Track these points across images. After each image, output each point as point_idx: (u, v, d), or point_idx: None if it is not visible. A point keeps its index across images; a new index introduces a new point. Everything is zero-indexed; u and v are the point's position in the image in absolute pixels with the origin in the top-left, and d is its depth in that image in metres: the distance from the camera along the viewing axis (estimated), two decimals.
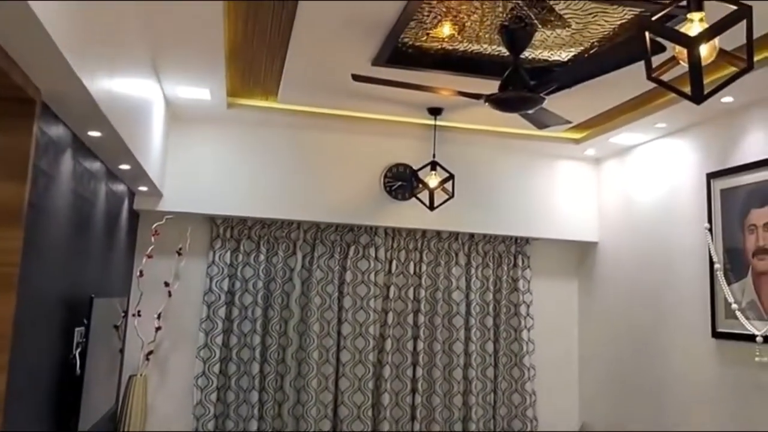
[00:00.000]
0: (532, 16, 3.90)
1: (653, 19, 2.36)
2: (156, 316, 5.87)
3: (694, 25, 2.35)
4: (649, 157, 5.90)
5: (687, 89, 2.30)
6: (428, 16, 3.94)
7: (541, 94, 4.06)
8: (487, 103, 4.20)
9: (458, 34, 4.21)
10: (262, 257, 6.23)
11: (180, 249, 6.05)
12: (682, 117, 5.20)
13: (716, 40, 2.33)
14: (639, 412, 5.78)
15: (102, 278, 4.83)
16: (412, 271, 6.53)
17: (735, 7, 2.21)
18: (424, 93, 4.59)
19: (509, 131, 6.12)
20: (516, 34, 4.06)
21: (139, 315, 5.77)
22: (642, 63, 2.63)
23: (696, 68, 2.19)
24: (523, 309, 6.69)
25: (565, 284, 7.06)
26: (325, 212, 6.16)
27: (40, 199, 3.20)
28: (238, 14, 3.99)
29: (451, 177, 5.58)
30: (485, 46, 4.39)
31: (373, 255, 6.44)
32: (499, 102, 4.15)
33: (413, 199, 6.00)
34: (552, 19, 3.94)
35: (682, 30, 2.34)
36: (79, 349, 3.96)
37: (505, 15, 3.90)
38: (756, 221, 4.65)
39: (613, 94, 5.05)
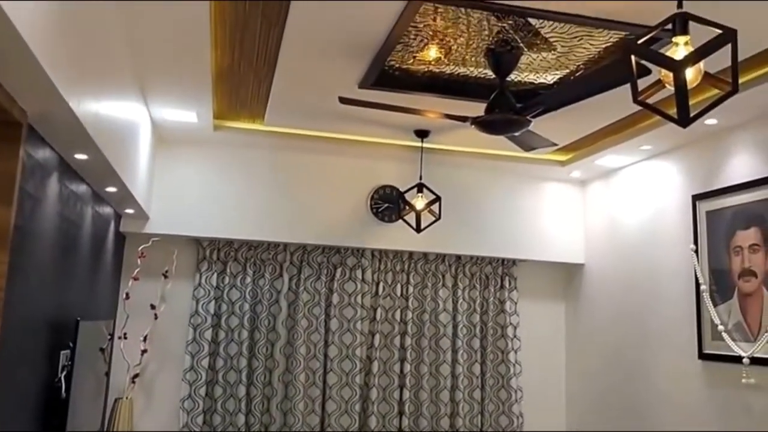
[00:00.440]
0: (518, 40, 3.92)
1: (639, 42, 2.37)
2: (142, 338, 5.83)
3: (679, 48, 2.37)
4: (635, 179, 5.93)
5: (672, 112, 2.32)
6: (415, 39, 3.95)
7: (528, 117, 4.08)
8: (473, 126, 4.22)
9: (445, 57, 4.23)
10: (248, 279, 6.21)
11: (166, 271, 6.02)
12: (667, 139, 5.24)
13: (701, 63, 2.34)
14: None
15: (88, 301, 4.80)
16: (399, 293, 6.52)
17: (720, 31, 2.23)
18: (411, 115, 4.61)
19: (496, 153, 6.15)
20: (502, 57, 4.08)
21: (125, 338, 5.74)
22: (626, 86, 2.65)
23: (682, 92, 2.21)
24: (510, 331, 6.68)
25: (552, 306, 7.06)
26: (311, 234, 6.15)
27: (26, 222, 3.18)
28: (226, 38, 4.00)
29: (438, 199, 5.58)
30: (471, 69, 4.41)
31: (360, 277, 6.42)
32: (485, 124, 4.17)
33: (400, 221, 6.00)
34: (538, 42, 3.97)
35: (668, 53, 2.35)
36: (64, 373, 3.93)
37: (491, 38, 3.92)
38: (741, 243, 4.67)
39: (598, 116, 5.08)
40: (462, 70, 4.44)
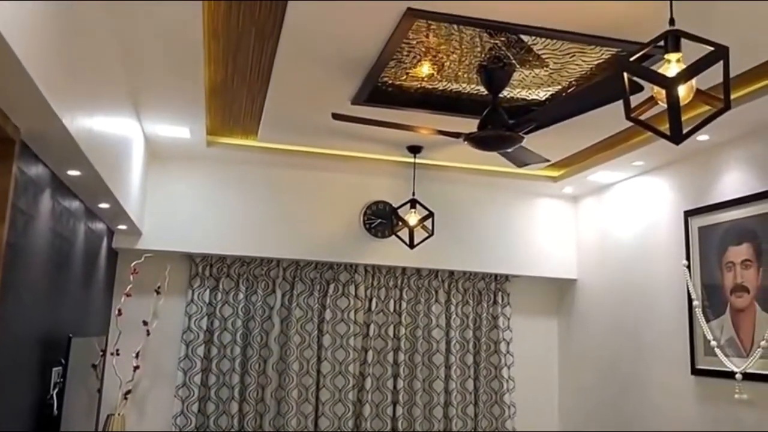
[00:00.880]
0: (511, 56, 3.94)
1: (631, 59, 2.39)
2: (134, 355, 5.81)
3: (671, 65, 2.39)
4: (627, 195, 5.95)
5: (664, 128, 2.33)
6: (408, 55, 3.97)
7: (520, 133, 4.09)
8: (466, 142, 4.22)
9: (437, 73, 4.25)
10: (241, 295, 6.19)
11: (159, 287, 6.01)
12: (659, 155, 5.26)
13: (694, 80, 2.36)
14: None
15: (80, 317, 4.78)
16: (392, 309, 6.51)
17: (712, 48, 2.24)
18: (404, 131, 4.61)
19: (488, 169, 6.16)
20: (494, 74, 4.10)
21: (118, 354, 5.72)
22: (618, 102, 2.66)
23: (674, 109, 2.22)
24: (503, 346, 6.68)
25: (544, 321, 7.06)
26: (304, 250, 6.15)
27: (19, 238, 3.17)
28: (219, 54, 4.01)
29: (431, 215, 5.59)
30: (464, 85, 4.42)
31: (353, 293, 6.42)
32: (478, 141, 4.17)
33: (393, 236, 6.00)
34: (530, 59, 3.98)
35: (660, 70, 2.37)
36: (56, 389, 3.90)
37: (483, 55, 3.93)
38: (734, 259, 4.69)
39: (590, 132, 5.10)
40: (455, 86, 4.45)
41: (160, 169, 5.88)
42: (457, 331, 6.62)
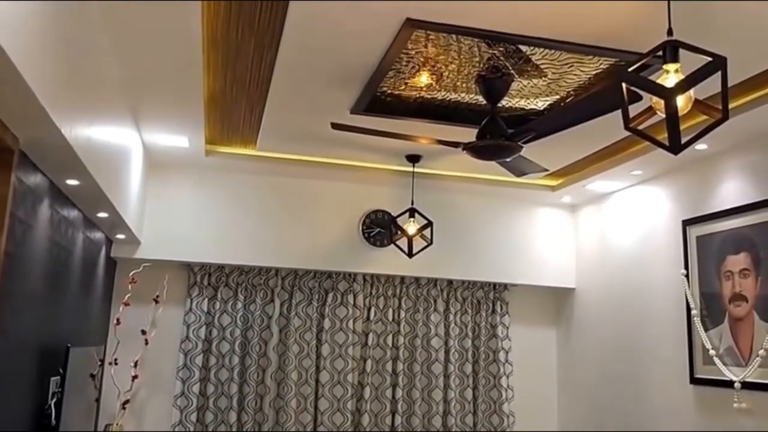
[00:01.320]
0: (509, 66, 3.95)
1: (630, 70, 2.39)
2: (132, 364, 5.80)
3: (670, 76, 2.39)
4: (625, 204, 5.95)
5: (663, 137, 2.33)
6: (406, 65, 3.97)
7: (519, 143, 4.10)
8: (465, 151, 4.22)
9: (436, 83, 4.25)
10: (239, 305, 6.19)
11: (157, 297, 6.00)
12: (657, 164, 5.26)
13: (692, 91, 2.36)
14: None
15: (78, 327, 4.77)
16: (390, 318, 6.50)
17: (710, 58, 2.25)
18: (403, 141, 4.62)
19: (487, 178, 6.16)
20: (493, 84, 4.10)
21: (116, 363, 5.71)
22: (617, 112, 2.66)
23: (673, 119, 2.22)
24: (501, 355, 6.67)
25: (543, 330, 7.05)
26: (303, 259, 6.14)
27: (17, 247, 3.17)
28: (218, 63, 4.01)
29: (430, 224, 5.59)
30: (463, 95, 4.43)
31: (352, 302, 6.41)
32: (477, 150, 4.18)
33: (392, 245, 6.00)
34: (528, 69, 3.99)
35: (659, 81, 2.37)
36: (54, 399, 3.90)
37: (482, 65, 3.94)
38: (732, 268, 4.69)
39: (588, 142, 5.11)
40: (453, 96, 4.46)
41: (158, 179, 5.88)
42: (456, 340, 6.61)
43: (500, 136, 4.10)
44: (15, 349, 3.32)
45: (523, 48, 3.70)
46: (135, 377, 5.80)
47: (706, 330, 4.85)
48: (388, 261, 6.27)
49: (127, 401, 5.78)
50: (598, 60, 3.81)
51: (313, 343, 6.29)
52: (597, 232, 6.39)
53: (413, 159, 5.67)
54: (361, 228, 6.28)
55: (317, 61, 3.89)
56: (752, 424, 4.45)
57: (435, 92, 4.41)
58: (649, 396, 5.45)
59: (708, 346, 4.79)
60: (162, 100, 4.28)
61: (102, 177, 3.70)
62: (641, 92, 2.90)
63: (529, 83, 4.21)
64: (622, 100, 2.38)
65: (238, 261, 6.04)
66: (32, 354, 3.64)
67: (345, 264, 6.25)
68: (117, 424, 5.63)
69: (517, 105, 4.56)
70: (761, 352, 4.35)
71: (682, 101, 2.34)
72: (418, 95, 4.46)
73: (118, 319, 5.76)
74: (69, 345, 3.94)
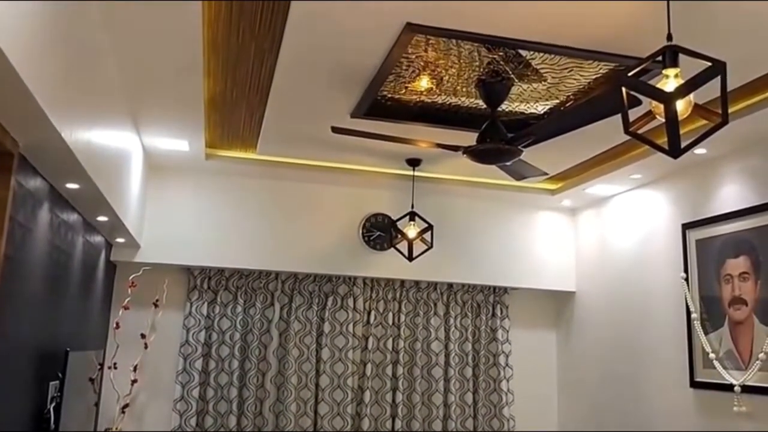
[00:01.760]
0: (509, 71, 3.95)
1: (630, 74, 2.40)
2: (132, 368, 5.79)
3: (670, 80, 2.40)
4: (625, 208, 5.96)
5: (662, 142, 2.33)
6: (407, 69, 3.98)
7: (519, 147, 4.10)
8: (465, 155, 4.23)
9: (436, 87, 4.26)
10: (239, 308, 6.18)
11: (156, 300, 6.00)
12: (657, 168, 5.27)
13: (691, 95, 2.37)
14: None
15: (78, 331, 4.77)
16: (390, 322, 6.50)
17: (710, 63, 2.25)
18: (403, 144, 4.62)
19: (487, 182, 6.16)
20: (493, 88, 4.11)
21: (115, 367, 5.70)
22: (616, 116, 2.66)
23: (673, 123, 2.22)
24: (502, 359, 6.67)
25: (543, 334, 7.05)
26: (303, 263, 6.14)
27: (17, 251, 3.17)
28: (218, 67, 4.02)
29: (430, 227, 5.59)
30: (463, 99, 4.43)
31: (352, 305, 6.41)
32: (477, 154, 4.18)
33: (392, 249, 6.00)
34: (528, 73, 3.99)
35: (658, 85, 2.38)
36: (53, 404, 3.89)
37: (482, 69, 3.95)
38: (731, 271, 4.69)
39: (588, 146, 5.11)
40: (453, 100, 4.46)
41: (158, 182, 5.88)
42: (456, 343, 6.61)
43: (500, 140, 4.10)
44: (14, 352, 3.32)
45: (523, 52, 3.71)
46: (134, 381, 5.79)
47: (706, 333, 4.85)
48: (388, 264, 6.27)
49: (126, 405, 5.77)
50: (598, 65, 3.81)
51: (313, 347, 6.29)
52: (597, 235, 6.39)
53: (413, 163, 5.67)
54: (361, 231, 6.28)
55: (318, 65, 3.89)
56: (752, 427, 4.44)
57: (435, 96, 4.41)
58: (649, 399, 5.44)
59: (708, 349, 4.79)
60: (162, 103, 4.28)
61: (102, 181, 3.70)
62: (641, 97, 2.90)
63: (528, 87, 4.21)
64: (622, 104, 2.39)
65: (238, 265, 6.04)
66: (31, 358, 3.64)
67: (345, 268, 6.24)
68: (116, 429, 5.63)
69: (517, 109, 4.56)
70: (761, 355, 4.35)
71: (681, 105, 2.34)
72: (418, 99, 4.46)
73: (117, 323, 5.76)
74: (68, 349, 3.94)
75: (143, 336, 5.90)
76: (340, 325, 6.38)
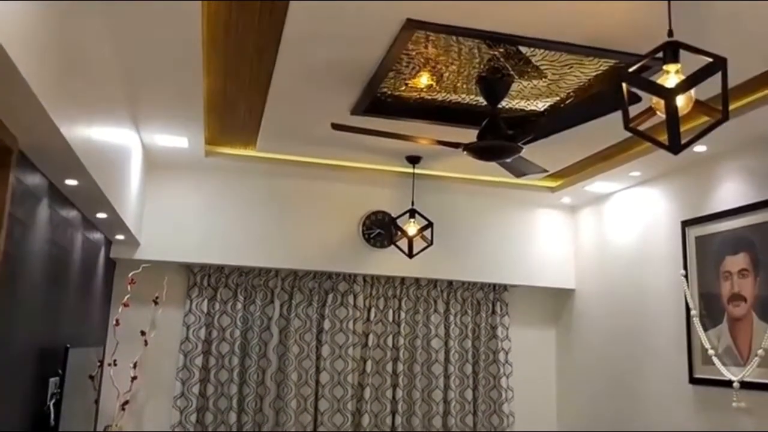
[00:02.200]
0: (509, 68, 3.95)
1: (630, 71, 2.39)
2: (132, 365, 5.79)
3: (670, 76, 2.40)
4: (625, 205, 5.96)
5: (663, 138, 2.33)
6: (407, 66, 3.97)
7: (519, 144, 4.10)
8: (465, 152, 4.23)
9: (436, 84, 4.25)
10: (239, 306, 6.18)
11: (156, 298, 5.99)
12: (657, 166, 5.27)
13: (692, 91, 2.36)
14: None
15: (78, 327, 4.77)
16: (390, 319, 6.50)
17: (710, 59, 2.25)
18: (403, 141, 4.62)
19: (487, 180, 6.16)
20: (493, 85, 4.10)
21: (115, 364, 5.70)
22: (616, 113, 2.66)
23: (673, 119, 2.22)
24: (501, 356, 6.67)
25: (543, 331, 7.05)
26: (303, 260, 6.14)
27: (16, 248, 3.17)
28: (218, 63, 4.01)
29: (430, 225, 5.59)
30: (463, 96, 4.43)
31: (352, 303, 6.41)
32: (477, 151, 4.18)
33: (392, 246, 6.00)
34: (529, 70, 3.99)
35: (659, 81, 2.37)
36: (53, 400, 3.89)
37: (482, 66, 3.94)
38: (730, 268, 4.69)
39: (588, 143, 5.11)
40: (454, 97, 4.46)
41: (158, 179, 5.88)
42: (456, 340, 6.62)
43: (500, 136, 4.10)
44: (14, 349, 3.32)
45: (524, 49, 3.70)
46: (134, 378, 5.79)
47: (705, 330, 4.85)
48: (389, 262, 6.27)
49: (126, 402, 5.77)
50: (598, 62, 3.81)
51: (313, 344, 6.29)
52: (596, 233, 6.39)
53: (413, 160, 5.67)
54: (361, 229, 6.28)
55: (317, 62, 3.89)
56: (751, 423, 4.45)
57: (435, 93, 4.41)
58: (649, 396, 5.45)
59: (707, 345, 4.80)
60: (161, 100, 4.27)
61: (101, 177, 3.69)
62: (641, 94, 2.90)
63: (529, 84, 4.21)
64: (623, 100, 2.39)
65: (238, 262, 6.04)
66: (31, 354, 3.64)
67: (345, 265, 6.24)
68: (116, 425, 5.63)
69: (517, 106, 4.56)
70: (760, 351, 4.35)
71: (682, 101, 2.34)
72: (418, 96, 4.46)
73: (117, 320, 5.76)
74: (68, 346, 3.94)
75: (143, 333, 5.90)
76: (340, 322, 6.38)
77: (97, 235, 5.18)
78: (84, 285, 4.85)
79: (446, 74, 4.10)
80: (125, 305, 5.80)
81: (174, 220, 5.89)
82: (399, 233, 5.64)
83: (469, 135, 4.34)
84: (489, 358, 6.69)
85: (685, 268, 5.08)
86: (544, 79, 4.13)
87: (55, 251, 3.93)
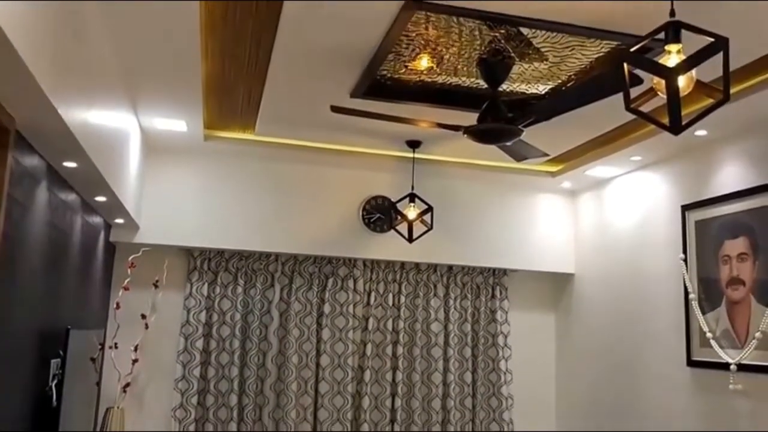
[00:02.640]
0: (510, 50, 3.93)
1: (632, 50, 2.38)
2: (133, 348, 5.81)
3: (672, 56, 2.39)
4: (625, 190, 5.95)
5: (664, 120, 2.32)
6: (407, 48, 3.96)
7: (519, 126, 4.08)
8: (466, 135, 4.21)
9: (437, 66, 4.24)
10: (239, 289, 6.19)
11: (157, 281, 6.00)
12: (657, 150, 5.25)
13: (693, 72, 2.36)
14: None
15: (78, 310, 4.77)
16: (390, 303, 6.51)
17: (712, 39, 2.24)
18: (403, 125, 4.60)
19: (487, 164, 6.15)
20: (494, 67, 4.08)
21: (116, 347, 5.72)
22: (617, 97, 2.64)
23: (674, 99, 2.22)
24: (500, 340, 6.68)
25: (542, 315, 7.06)
26: (303, 244, 6.14)
27: (15, 229, 3.16)
28: (216, 46, 3.99)
29: (430, 209, 5.59)
30: (464, 78, 4.41)
31: (352, 287, 6.42)
32: (477, 134, 4.17)
33: (392, 231, 5.99)
34: (530, 52, 3.97)
35: (660, 61, 2.36)
36: (55, 381, 3.91)
37: (483, 48, 3.92)
38: (729, 252, 4.69)
39: (588, 127, 5.09)
40: (454, 79, 4.44)
41: (156, 163, 5.87)
42: (456, 324, 6.63)
43: (501, 119, 4.09)
44: (15, 330, 3.33)
45: (525, 31, 3.68)
46: (135, 361, 5.81)
47: (703, 313, 4.86)
48: (388, 246, 6.27)
49: (127, 384, 5.79)
50: (600, 43, 3.79)
51: (313, 328, 6.30)
52: (596, 217, 6.39)
53: (413, 144, 5.66)
54: (361, 213, 6.27)
55: (316, 44, 3.87)
56: (747, 405, 4.47)
57: (435, 75, 4.39)
58: (647, 378, 5.46)
59: (705, 329, 4.81)
60: (160, 83, 4.25)
61: (100, 160, 3.69)
62: (642, 75, 2.89)
63: (530, 67, 4.20)
64: (624, 81, 2.38)
65: (238, 246, 6.04)
66: (32, 336, 3.65)
67: (345, 249, 6.25)
68: (118, 407, 5.64)
69: (518, 89, 4.54)
70: (757, 334, 4.37)
71: (683, 81, 2.33)
72: (418, 79, 4.45)
73: (117, 303, 5.77)
74: (69, 327, 3.95)
75: (144, 316, 5.91)
76: (340, 306, 6.39)
77: (97, 219, 5.18)
78: (84, 268, 4.86)
79: (446, 56, 4.08)
80: (125, 289, 5.80)
81: (173, 204, 5.88)
82: (399, 218, 5.64)
83: (470, 118, 4.33)
84: (488, 342, 6.71)
85: (685, 252, 5.08)
86: (545, 62, 4.11)
87: (55, 234, 3.93)
